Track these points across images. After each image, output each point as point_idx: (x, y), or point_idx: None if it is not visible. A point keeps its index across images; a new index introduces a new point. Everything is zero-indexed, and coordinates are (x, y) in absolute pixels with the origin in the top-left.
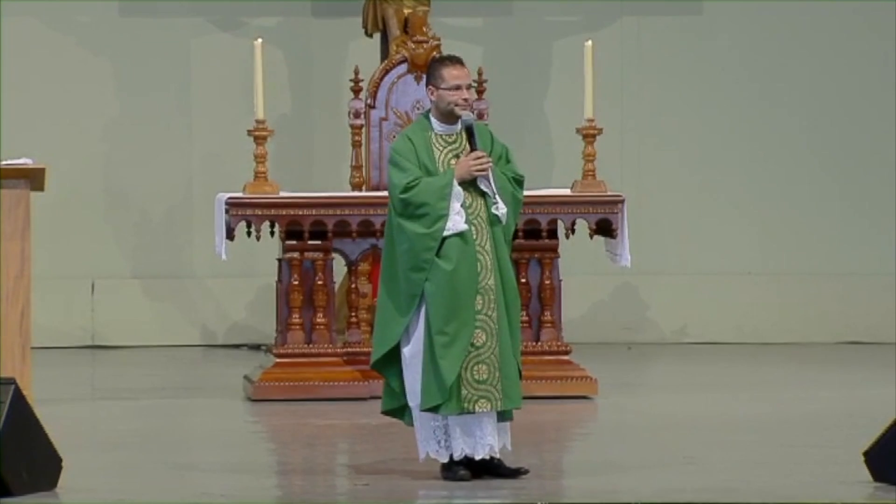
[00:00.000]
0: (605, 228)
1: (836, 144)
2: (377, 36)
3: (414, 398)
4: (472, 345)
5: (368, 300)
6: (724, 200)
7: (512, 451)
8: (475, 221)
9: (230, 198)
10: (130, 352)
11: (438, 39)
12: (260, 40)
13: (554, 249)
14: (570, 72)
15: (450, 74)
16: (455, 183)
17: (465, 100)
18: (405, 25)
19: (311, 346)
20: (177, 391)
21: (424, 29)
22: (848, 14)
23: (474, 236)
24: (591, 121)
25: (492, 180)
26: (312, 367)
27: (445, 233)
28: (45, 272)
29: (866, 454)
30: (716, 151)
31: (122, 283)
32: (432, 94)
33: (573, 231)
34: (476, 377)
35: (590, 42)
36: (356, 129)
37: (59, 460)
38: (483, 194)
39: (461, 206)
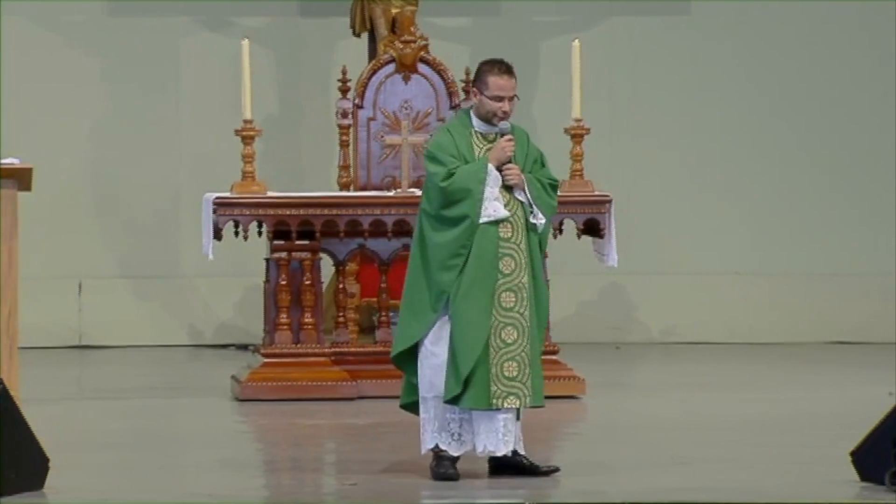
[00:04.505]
0: (592, 228)
1: (824, 144)
2: (365, 36)
3: (430, 389)
4: (504, 341)
5: (356, 300)
6: (712, 200)
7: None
8: (512, 220)
9: (218, 197)
10: (118, 352)
11: (426, 39)
12: (247, 40)
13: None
14: (558, 72)
15: (495, 84)
16: (491, 167)
17: (505, 112)
18: (393, 25)
19: (298, 346)
20: (164, 391)
21: (412, 29)
22: (838, 13)
23: (510, 234)
24: (579, 121)
25: (527, 190)
26: (300, 367)
27: (485, 219)
28: (32, 272)
29: (853, 454)
30: (704, 151)
31: (110, 283)
32: (475, 95)
33: (561, 231)
34: (506, 374)
35: (577, 42)
36: (344, 129)
37: (47, 460)
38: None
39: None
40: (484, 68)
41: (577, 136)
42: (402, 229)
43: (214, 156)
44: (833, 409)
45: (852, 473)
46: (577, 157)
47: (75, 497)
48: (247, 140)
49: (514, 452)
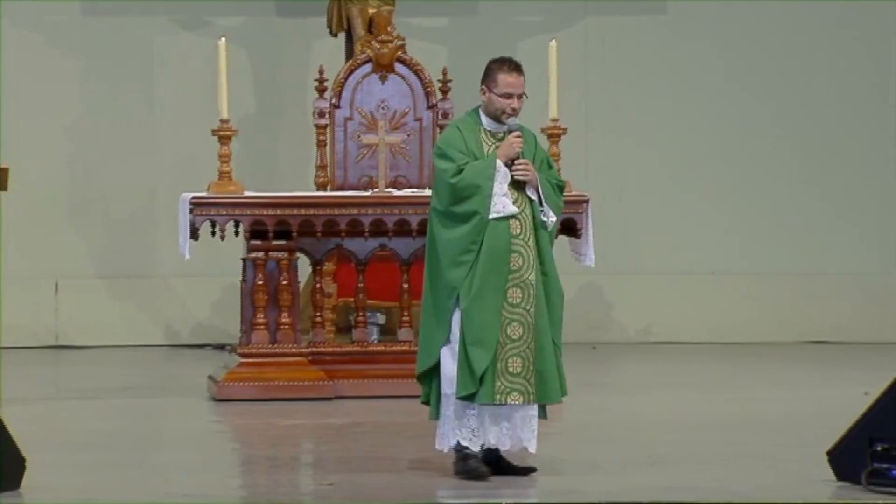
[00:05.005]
0: (569, 228)
1: (802, 143)
2: (342, 35)
3: (451, 385)
4: (509, 337)
5: (333, 300)
6: (689, 200)
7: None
8: (521, 217)
9: (194, 197)
10: (94, 351)
11: (403, 39)
12: (223, 39)
13: None
14: (535, 72)
15: (504, 81)
16: (500, 163)
17: (514, 109)
18: (370, 25)
19: (275, 345)
20: (141, 391)
21: (389, 28)
22: (816, 11)
23: (519, 231)
24: (556, 120)
25: (539, 188)
26: (277, 366)
27: (494, 215)
28: (8, 272)
29: (830, 453)
30: (680, 151)
31: (87, 283)
32: (484, 93)
33: None
34: (510, 370)
35: (554, 42)
36: (321, 129)
37: (23, 460)
38: (529, 196)
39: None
40: (493, 66)
41: (553, 135)
42: (379, 229)
43: (191, 155)
44: (809, 408)
45: (829, 473)
46: (553, 157)
47: (52, 497)
48: (223, 140)
49: (496, 451)
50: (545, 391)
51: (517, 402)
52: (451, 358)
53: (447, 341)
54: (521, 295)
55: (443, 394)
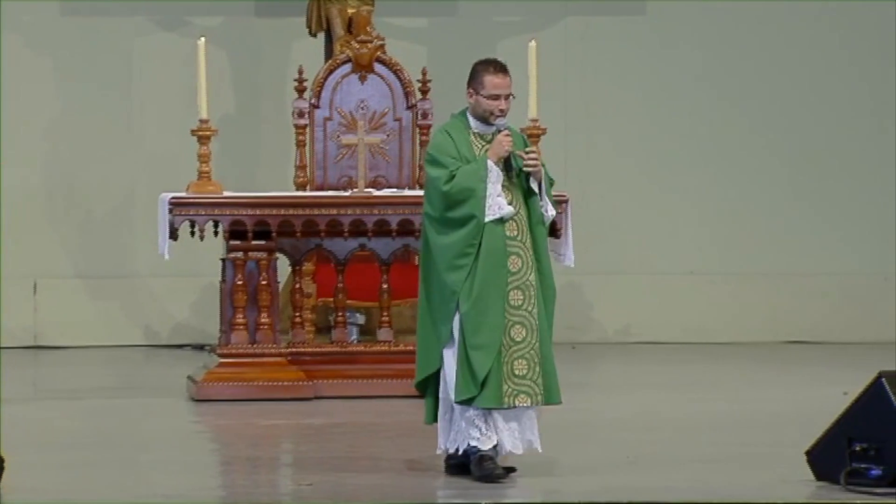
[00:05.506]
0: (549, 228)
1: (781, 144)
2: (321, 35)
3: (451, 390)
4: (513, 340)
5: (312, 300)
6: (668, 200)
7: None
8: (516, 219)
9: (173, 197)
10: (73, 352)
11: (382, 39)
12: (203, 39)
13: None
14: (515, 72)
15: (491, 83)
16: (491, 164)
17: (502, 110)
18: (349, 25)
19: (254, 346)
20: (120, 391)
21: (368, 29)
22: (796, 11)
23: (516, 232)
24: (535, 121)
25: (543, 182)
26: (256, 367)
27: (490, 217)
28: None
29: (809, 453)
30: (659, 151)
31: (65, 283)
32: (471, 96)
33: None
34: (516, 372)
35: (533, 42)
36: (300, 129)
37: (2, 461)
38: (525, 193)
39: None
40: (479, 68)
41: (533, 136)
42: (359, 229)
43: (170, 156)
44: (788, 408)
45: (808, 473)
46: None
47: (31, 497)
48: (203, 140)
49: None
50: (550, 392)
51: (525, 404)
52: (452, 361)
53: (450, 345)
54: (522, 297)
55: (441, 397)
